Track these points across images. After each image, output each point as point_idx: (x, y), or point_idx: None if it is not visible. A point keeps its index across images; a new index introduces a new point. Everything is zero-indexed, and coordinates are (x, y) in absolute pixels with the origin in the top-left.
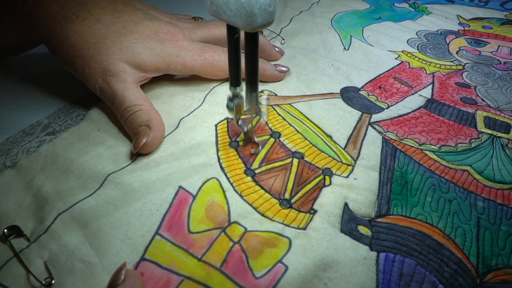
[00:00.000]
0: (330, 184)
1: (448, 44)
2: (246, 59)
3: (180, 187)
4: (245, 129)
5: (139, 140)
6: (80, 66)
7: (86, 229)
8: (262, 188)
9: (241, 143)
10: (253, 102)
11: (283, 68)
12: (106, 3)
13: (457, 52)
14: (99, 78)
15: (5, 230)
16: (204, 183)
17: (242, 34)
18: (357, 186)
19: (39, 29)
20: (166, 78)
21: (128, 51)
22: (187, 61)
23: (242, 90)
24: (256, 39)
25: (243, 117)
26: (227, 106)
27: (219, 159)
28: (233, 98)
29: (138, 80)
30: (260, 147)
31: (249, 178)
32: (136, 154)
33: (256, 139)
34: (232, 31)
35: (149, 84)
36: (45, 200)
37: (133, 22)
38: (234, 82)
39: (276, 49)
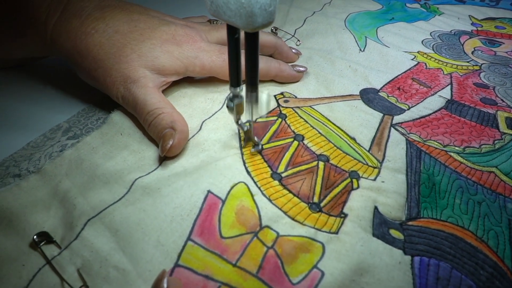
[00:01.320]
0: (358, 187)
1: (462, 45)
2: (246, 59)
3: (209, 191)
4: (245, 128)
5: (165, 142)
6: (102, 77)
7: (117, 236)
8: (290, 192)
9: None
10: (253, 101)
11: (301, 68)
12: (122, 14)
13: (472, 53)
14: (120, 86)
15: (35, 237)
16: (232, 187)
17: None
18: (385, 189)
19: (61, 47)
20: (184, 81)
21: (147, 56)
22: (206, 62)
23: (242, 90)
24: (256, 39)
25: (261, 120)
26: (227, 106)
27: (244, 163)
28: (233, 98)
29: (159, 85)
30: (260, 146)
31: (276, 182)
32: (162, 158)
33: (256, 138)
34: (232, 31)
35: (168, 88)
36: (73, 205)
37: (150, 29)
38: (234, 82)
39: (294, 50)
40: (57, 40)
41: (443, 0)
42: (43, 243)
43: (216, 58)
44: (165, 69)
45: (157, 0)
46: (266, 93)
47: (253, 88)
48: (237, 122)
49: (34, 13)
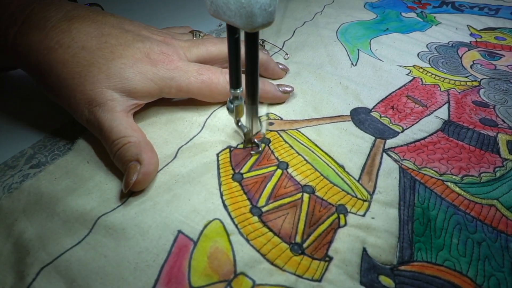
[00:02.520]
0: (345, 224)
1: (461, 58)
2: (246, 60)
3: (179, 231)
4: (245, 130)
5: (129, 178)
6: (66, 98)
7: (73, 287)
8: (271, 230)
9: (241, 146)
10: (253, 113)
11: (287, 89)
12: (92, 28)
13: (471, 66)
14: (85, 109)
15: None
16: (205, 225)
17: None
18: (375, 228)
19: (22, 60)
20: (162, 101)
21: (116, 77)
22: (183, 84)
23: (242, 91)
24: (256, 39)
25: (242, 146)
26: (227, 108)
27: (221, 195)
28: (233, 100)
29: (128, 109)
30: (260, 148)
31: (256, 218)
32: (129, 192)
33: (256, 140)
34: (232, 31)
35: (143, 108)
36: (26, 250)
37: (122, 46)
38: (234, 84)
39: (280, 66)
40: (18, 53)
41: (440, 9)
42: None
43: (194, 79)
44: (137, 92)
45: (158, 0)
46: (271, 117)
47: (253, 100)
48: (237, 124)
49: None
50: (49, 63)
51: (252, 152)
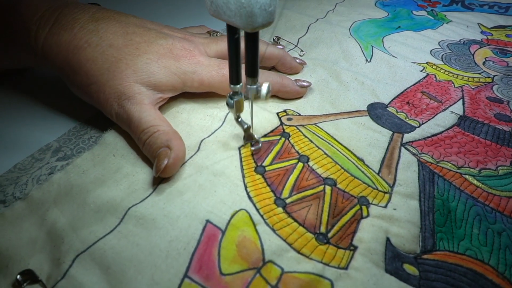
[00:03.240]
0: (368, 215)
1: (473, 55)
2: (246, 60)
3: (207, 221)
4: (245, 126)
5: (160, 162)
6: (95, 93)
7: (109, 274)
8: (295, 220)
9: (262, 139)
10: (253, 92)
11: (305, 83)
12: (117, 27)
13: (483, 63)
14: (114, 103)
15: (18, 276)
16: (232, 215)
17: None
18: (397, 218)
19: (52, 61)
20: (182, 95)
21: (142, 72)
22: (204, 77)
23: (242, 87)
24: (256, 39)
25: (264, 139)
26: (227, 103)
27: (245, 187)
28: (233, 95)
29: (155, 102)
30: (260, 145)
31: (280, 209)
32: (157, 181)
33: (256, 137)
34: (232, 31)
35: (165, 103)
36: (61, 238)
37: (146, 43)
38: (234, 80)
39: (297, 60)
40: (48, 53)
41: (450, 7)
42: (27, 282)
43: (215, 73)
44: (162, 85)
45: (157, 1)
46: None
47: (254, 80)
48: (236, 120)
49: (24, 25)
50: (78, 62)
51: (252, 148)
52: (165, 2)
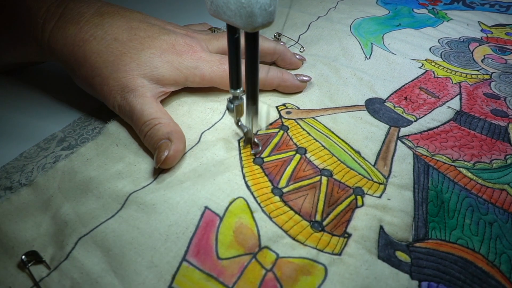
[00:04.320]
0: (362, 205)
1: (472, 52)
2: (246, 61)
3: (206, 207)
4: (245, 130)
5: (160, 153)
6: (99, 86)
7: (109, 256)
8: (292, 209)
9: (261, 132)
10: (253, 113)
11: (305, 78)
12: (122, 22)
13: (482, 61)
14: (117, 95)
15: (23, 257)
16: (230, 203)
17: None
18: (391, 208)
19: (58, 53)
20: (184, 89)
21: (146, 66)
22: (206, 73)
23: (243, 91)
24: (256, 39)
25: (263, 132)
26: (227, 108)
27: (244, 176)
28: (233, 99)
29: (157, 95)
30: (260, 148)
31: (277, 198)
32: (158, 171)
33: (256, 140)
34: (232, 31)
35: (166, 96)
36: (64, 222)
37: (150, 38)
38: (235, 84)
39: (297, 56)
40: (54, 46)
41: (451, 5)
42: (31, 263)
43: (216, 68)
44: (164, 79)
45: (158, 1)
46: (266, 105)
47: (253, 100)
48: (237, 124)
49: (31, 19)
50: (83, 54)
51: (252, 152)
52: (166, 2)
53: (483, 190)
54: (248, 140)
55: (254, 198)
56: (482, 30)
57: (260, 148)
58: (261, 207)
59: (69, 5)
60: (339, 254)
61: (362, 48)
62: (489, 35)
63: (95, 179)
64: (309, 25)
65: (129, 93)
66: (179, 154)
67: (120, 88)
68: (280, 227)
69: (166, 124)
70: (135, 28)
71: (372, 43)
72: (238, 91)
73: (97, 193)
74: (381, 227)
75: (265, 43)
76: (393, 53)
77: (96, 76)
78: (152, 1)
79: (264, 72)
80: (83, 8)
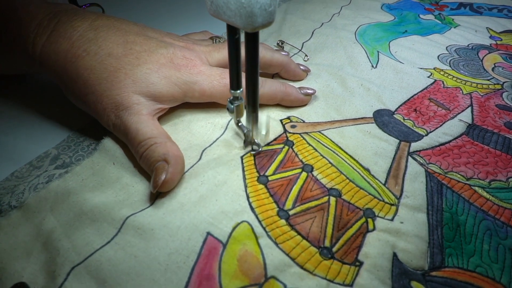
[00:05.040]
0: (374, 228)
1: (482, 60)
2: (246, 61)
3: (208, 233)
4: (245, 130)
5: (157, 177)
6: (92, 103)
7: None
8: (299, 233)
9: (264, 148)
10: (253, 120)
11: (309, 91)
12: (117, 36)
13: (492, 69)
14: (111, 114)
15: None
16: (234, 228)
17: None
18: (405, 232)
19: (50, 69)
20: (184, 104)
21: (142, 82)
22: (206, 88)
23: (243, 92)
24: (256, 39)
25: (267, 148)
26: (227, 108)
27: (248, 197)
28: (234, 100)
29: (154, 112)
30: (260, 148)
31: (283, 221)
32: (156, 193)
33: (256, 141)
34: (232, 31)
35: (165, 112)
36: (56, 249)
37: (146, 52)
38: (235, 85)
39: (302, 67)
40: (46, 61)
41: (458, 11)
42: None
43: (217, 83)
44: (162, 96)
45: (157, 1)
46: (266, 115)
47: (253, 107)
48: (237, 124)
49: (22, 32)
50: (76, 70)
51: (252, 152)
52: (165, 2)
53: (501, 212)
54: (248, 142)
55: (259, 221)
56: (491, 37)
57: (260, 149)
58: (266, 231)
59: (62, 18)
60: (351, 285)
61: (368, 57)
62: (498, 42)
63: (89, 200)
64: (312, 32)
65: (123, 111)
66: (177, 176)
67: (115, 106)
68: (287, 254)
69: (163, 144)
70: (131, 42)
71: (378, 51)
72: (238, 91)
73: (91, 216)
74: (395, 254)
75: (268, 54)
76: (400, 62)
77: (90, 93)
78: (152, 2)
79: (267, 87)
80: (76, 22)
